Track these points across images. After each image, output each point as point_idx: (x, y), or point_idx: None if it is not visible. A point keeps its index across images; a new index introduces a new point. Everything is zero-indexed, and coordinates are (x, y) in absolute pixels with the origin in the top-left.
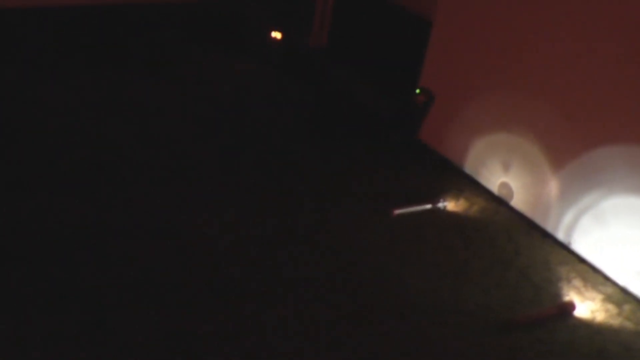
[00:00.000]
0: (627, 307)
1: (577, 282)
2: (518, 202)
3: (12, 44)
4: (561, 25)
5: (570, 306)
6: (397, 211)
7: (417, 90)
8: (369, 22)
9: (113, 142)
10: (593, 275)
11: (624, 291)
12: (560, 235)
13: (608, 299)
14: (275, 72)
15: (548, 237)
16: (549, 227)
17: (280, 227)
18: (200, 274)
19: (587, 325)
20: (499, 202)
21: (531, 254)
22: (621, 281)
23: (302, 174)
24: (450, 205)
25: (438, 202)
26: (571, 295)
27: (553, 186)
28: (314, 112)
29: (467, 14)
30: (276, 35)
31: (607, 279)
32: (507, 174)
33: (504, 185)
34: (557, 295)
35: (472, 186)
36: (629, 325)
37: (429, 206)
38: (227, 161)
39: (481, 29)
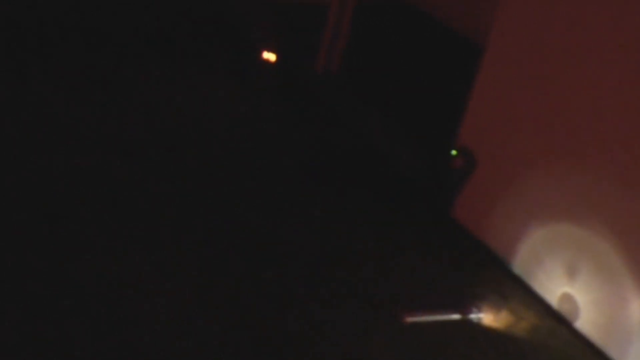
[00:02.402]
0: None
1: None
2: (585, 323)
3: None
4: None
5: None
6: (412, 318)
7: (454, 151)
8: (398, 43)
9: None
10: None
11: None
12: None
13: None
14: (266, 102)
15: None
16: None
17: (260, 335)
18: None
19: None
20: (558, 321)
21: None
22: None
23: (289, 254)
24: (487, 317)
25: (470, 311)
26: None
27: (636, 306)
28: (313, 158)
29: (526, 48)
30: (269, 56)
31: None
32: (572, 283)
33: (567, 297)
34: None
35: (521, 293)
36: None
37: (457, 316)
38: (188, 230)
39: (543, 74)
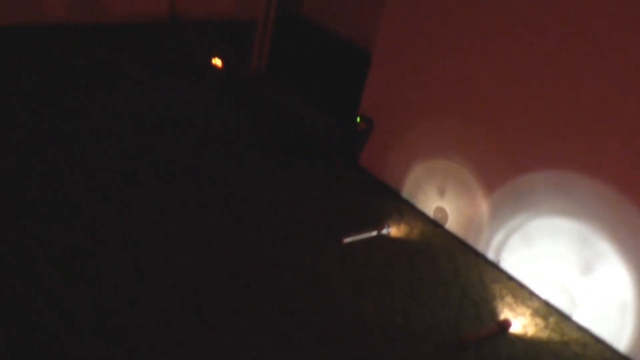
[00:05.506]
0: (552, 320)
1: (508, 299)
2: (453, 224)
3: None
4: (493, 58)
5: (507, 323)
6: (347, 239)
7: (358, 118)
8: (308, 49)
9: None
10: (520, 291)
11: (547, 304)
12: (491, 255)
13: (536, 312)
14: (218, 97)
15: (480, 257)
16: (480, 247)
17: (238, 260)
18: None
19: (521, 340)
20: (436, 225)
21: (468, 273)
22: (544, 295)
23: (250, 204)
24: (393, 230)
25: (383, 228)
26: (505, 312)
27: (484, 209)
28: (260, 137)
29: (406, 44)
30: (217, 62)
31: (532, 294)
32: (442, 199)
33: (439, 209)
34: (494, 312)
35: (411, 211)
36: (555, 336)
37: (374, 233)
38: (171, 191)
39: (420, 60)
